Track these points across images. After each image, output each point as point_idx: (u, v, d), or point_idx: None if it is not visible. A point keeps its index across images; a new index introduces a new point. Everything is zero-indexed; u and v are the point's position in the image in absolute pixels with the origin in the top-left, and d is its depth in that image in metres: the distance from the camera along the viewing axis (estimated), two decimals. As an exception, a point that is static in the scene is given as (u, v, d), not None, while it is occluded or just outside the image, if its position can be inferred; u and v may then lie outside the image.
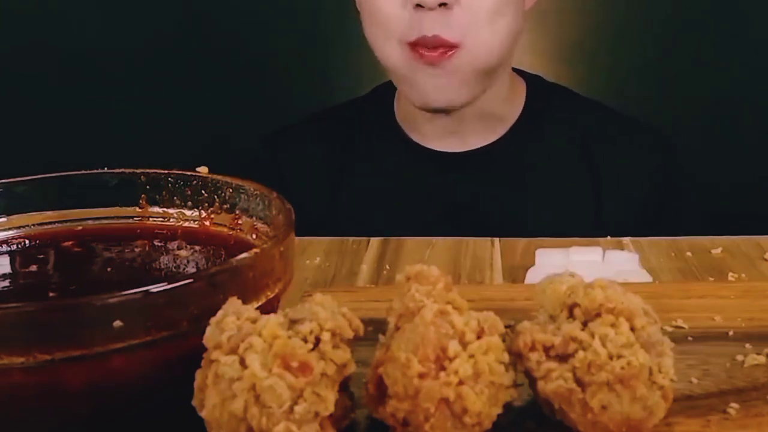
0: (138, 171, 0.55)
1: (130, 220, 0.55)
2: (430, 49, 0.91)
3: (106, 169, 0.55)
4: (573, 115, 1.06)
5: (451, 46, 0.91)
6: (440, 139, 1.03)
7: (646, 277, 0.65)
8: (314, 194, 1.06)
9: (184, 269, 0.50)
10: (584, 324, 0.38)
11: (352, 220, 1.01)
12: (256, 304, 0.42)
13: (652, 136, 1.07)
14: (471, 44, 0.91)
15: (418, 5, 0.89)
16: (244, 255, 0.42)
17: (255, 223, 0.52)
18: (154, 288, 0.38)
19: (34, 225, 0.53)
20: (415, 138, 1.04)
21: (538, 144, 1.03)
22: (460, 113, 0.99)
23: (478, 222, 0.99)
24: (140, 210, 0.55)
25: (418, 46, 0.91)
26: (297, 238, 0.47)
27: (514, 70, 1.06)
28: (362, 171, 1.06)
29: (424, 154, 1.03)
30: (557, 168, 1.04)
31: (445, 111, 0.98)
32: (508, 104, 1.03)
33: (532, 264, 0.68)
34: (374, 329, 0.41)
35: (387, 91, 1.07)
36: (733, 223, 0.82)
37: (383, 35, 0.94)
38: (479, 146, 1.03)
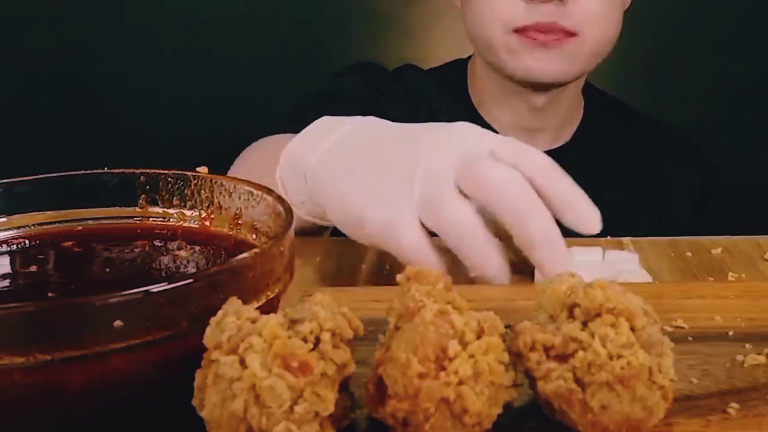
0: (138, 171, 0.55)
1: (130, 220, 0.55)
2: (544, 33, 0.92)
3: (106, 169, 0.55)
4: (625, 126, 1.11)
5: (569, 33, 0.92)
6: (516, 134, 1.04)
7: (646, 277, 0.65)
8: None
9: (184, 269, 0.50)
10: (584, 324, 0.38)
11: None
12: (256, 304, 0.42)
13: (694, 147, 1.11)
14: (587, 34, 0.93)
15: None
16: (244, 255, 0.42)
17: (255, 223, 0.52)
18: (154, 288, 0.38)
19: (34, 225, 0.53)
20: (493, 124, 1.05)
21: (597, 151, 1.07)
22: (548, 109, 1.01)
23: None
24: (140, 210, 0.55)
25: (528, 30, 0.92)
26: (297, 238, 0.47)
27: None
28: None
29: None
30: (614, 178, 1.06)
31: (546, 87, 0.99)
32: (575, 108, 1.05)
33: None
34: (374, 329, 0.41)
35: (459, 71, 1.08)
36: (733, 223, 0.82)
37: (490, 21, 0.95)
38: (549, 149, 1.05)
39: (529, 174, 0.55)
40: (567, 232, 0.77)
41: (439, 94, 1.08)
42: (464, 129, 0.59)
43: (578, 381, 0.37)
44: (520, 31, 0.93)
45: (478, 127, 0.60)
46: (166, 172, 0.55)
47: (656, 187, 1.07)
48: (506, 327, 0.39)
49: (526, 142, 1.04)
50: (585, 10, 0.92)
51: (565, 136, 1.06)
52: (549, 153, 1.04)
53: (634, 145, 1.09)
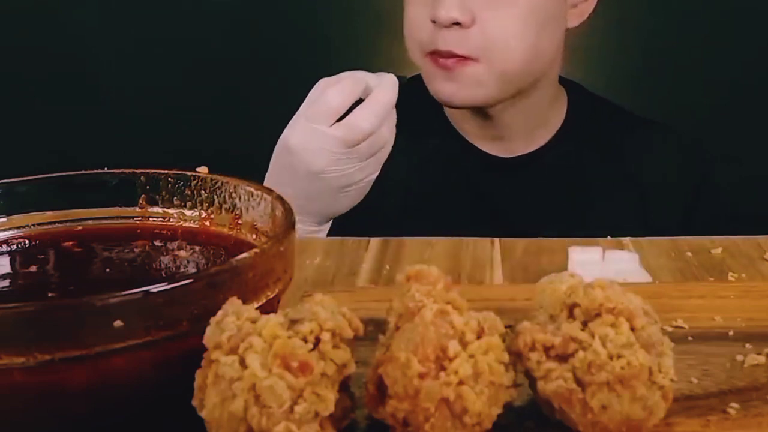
0: (138, 171, 0.55)
1: (130, 220, 0.55)
2: (445, 57, 0.94)
3: (106, 169, 0.55)
4: (613, 125, 1.10)
5: (466, 59, 0.93)
6: (485, 141, 1.06)
7: (646, 277, 0.65)
8: None
9: (184, 269, 0.50)
10: (584, 324, 0.38)
11: (392, 206, 1.03)
12: (256, 304, 0.42)
13: (689, 144, 1.11)
14: (488, 59, 0.94)
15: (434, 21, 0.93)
16: (244, 255, 0.42)
17: (255, 223, 0.52)
18: (154, 288, 0.38)
19: (34, 225, 0.53)
20: (462, 134, 1.07)
21: (580, 152, 1.06)
22: (501, 119, 1.02)
23: (514, 224, 1.01)
24: (140, 210, 0.55)
25: (435, 54, 0.95)
26: (297, 238, 0.47)
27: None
28: (407, 159, 1.05)
29: (468, 151, 1.06)
30: (598, 177, 1.06)
31: (469, 108, 1.01)
32: (551, 112, 1.06)
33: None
34: (374, 329, 0.41)
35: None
36: (733, 223, 0.82)
37: (410, 43, 1.00)
38: (524, 153, 1.05)
39: None
40: (567, 233, 0.77)
41: (415, 104, 1.08)
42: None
43: (578, 381, 0.37)
44: (429, 54, 0.96)
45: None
46: (166, 172, 0.55)
47: (644, 184, 1.06)
48: (506, 327, 0.39)
49: (496, 148, 1.06)
50: (486, 37, 0.92)
51: (541, 140, 1.06)
52: (523, 157, 1.07)
53: (620, 144, 1.08)
